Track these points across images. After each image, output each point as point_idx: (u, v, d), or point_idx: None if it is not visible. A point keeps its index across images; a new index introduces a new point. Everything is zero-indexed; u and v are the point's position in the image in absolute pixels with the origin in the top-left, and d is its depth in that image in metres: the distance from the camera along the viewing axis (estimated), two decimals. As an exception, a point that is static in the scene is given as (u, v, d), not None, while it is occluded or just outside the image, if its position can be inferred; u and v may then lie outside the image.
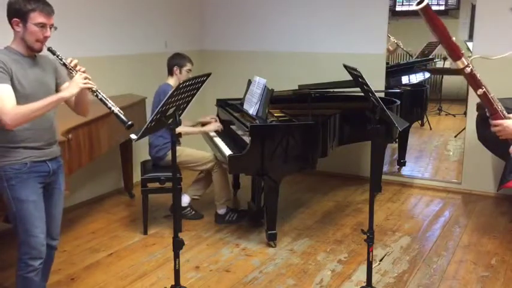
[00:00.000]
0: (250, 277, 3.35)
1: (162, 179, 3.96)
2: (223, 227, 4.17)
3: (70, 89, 2.45)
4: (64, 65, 2.50)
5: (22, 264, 2.50)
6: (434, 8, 6.50)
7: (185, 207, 4.27)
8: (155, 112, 2.48)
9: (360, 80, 2.81)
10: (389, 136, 4.65)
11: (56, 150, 2.61)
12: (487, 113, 1.92)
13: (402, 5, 8.08)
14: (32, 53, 2.46)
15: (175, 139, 2.62)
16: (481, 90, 1.81)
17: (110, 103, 2.51)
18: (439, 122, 7.72)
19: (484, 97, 1.83)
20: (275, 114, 4.12)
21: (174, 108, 2.55)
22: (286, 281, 3.30)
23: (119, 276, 3.36)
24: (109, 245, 3.83)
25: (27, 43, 2.40)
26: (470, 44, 5.14)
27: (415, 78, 6.93)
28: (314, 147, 3.74)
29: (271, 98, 3.91)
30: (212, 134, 4.29)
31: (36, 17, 2.36)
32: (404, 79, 6.60)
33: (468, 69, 1.77)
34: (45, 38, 2.41)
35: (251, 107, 3.98)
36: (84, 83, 2.45)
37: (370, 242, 2.88)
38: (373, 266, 3.23)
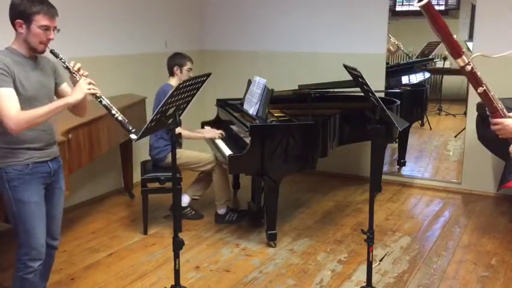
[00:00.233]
0: (250, 277, 3.35)
1: (162, 179, 3.96)
2: (223, 227, 4.16)
3: (75, 94, 2.42)
4: (67, 68, 2.48)
5: (21, 265, 2.49)
6: (434, 8, 6.48)
7: (185, 207, 4.27)
8: (155, 112, 2.48)
9: (360, 80, 2.81)
10: (389, 136, 4.65)
11: (55, 150, 2.61)
12: (487, 111, 1.92)
13: (402, 5, 8.09)
14: (33, 54, 2.44)
15: (175, 139, 2.62)
16: (481, 88, 1.81)
17: (114, 110, 2.49)
18: (439, 122, 7.72)
19: (484, 95, 1.83)
20: (275, 114, 4.12)
21: (174, 108, 2.55)
22: (286, 281, 3.30)
23: (119, 276, 3.36)
24: (109, 245, 3.83)
25: (30, 45, 2.38)
26: (470, 44, 5.14)
27: (415, 78, 6.93)
28: (314, 147, 3.74)
29: (271, 98, 3.91)
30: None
31: (41, 20, 2.34)
32: (404, 79, 6.60)
33: (469, 67, 1.77)
34: (49, 40, 2.39)
35: (251, 107, 3.98)
36: (89, 89, 2.43)
37: (370, 242, 2.88)
38: (373, 266, 3.23)
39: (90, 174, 4.63)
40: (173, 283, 2.72)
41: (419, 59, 7.38)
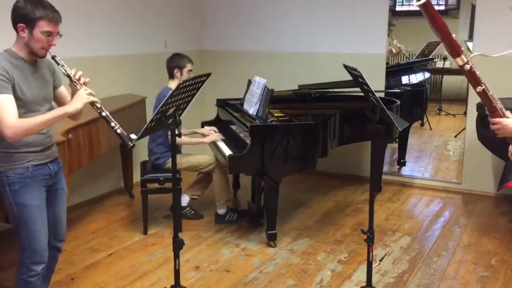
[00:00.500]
0: (250, 277, 3.35)
1: (161, 180, 3.96)
2: (223, 227, 4.17)
3: (74, 104, 2.39)
4: (68, 76, 2.44)
5: (24, 268, 2.47)
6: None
7: (184, 207, 4.26)
8: (155, 112, 2.48)
9: (360, 80, 2.81)
10: (389, 136, 4.65)
11: (54, 151, 2.60)
12: (486, 111, 1.92)
13: (402, 5, 8.08)
14: (33, 58, 2.41)
15: (175, 139, 2.62)
16: (480, 87, 1.81)
17: (114, 122, 2.45)
18: (439, 122, 7.72)
19: (483, 95, 1.83)
20: (275, 114, 4.12)
21: (174, 108, 2.55)
22: (286, 281, 3.30)
23: (119, 276, 3.36)
24: (109, 245, 3.83)
25: (31, 49, 2.35)
26: (470, 44, 5.13)
27: (415, 78, 6.93)
28: (314, 147, 3.74)
29: (271, 98, 3.91)
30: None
31: (44, 26, 2.30)
32: (404, 79, 6.60)
33: (468, 66, 1.77)
34: (50, 46, 2.36)
35: (251, 107, 3.98)
36: (89, 99, 2.39)
37: (370, 242, 2.88)
38: (373, 266, 3.23)
39: (90, 174, 4.63)
40: (173, 283, 2.72)
41: (419, 59, 7.38)
